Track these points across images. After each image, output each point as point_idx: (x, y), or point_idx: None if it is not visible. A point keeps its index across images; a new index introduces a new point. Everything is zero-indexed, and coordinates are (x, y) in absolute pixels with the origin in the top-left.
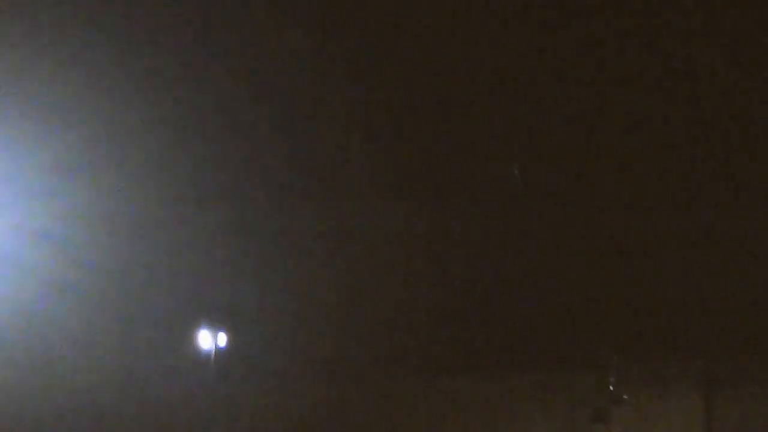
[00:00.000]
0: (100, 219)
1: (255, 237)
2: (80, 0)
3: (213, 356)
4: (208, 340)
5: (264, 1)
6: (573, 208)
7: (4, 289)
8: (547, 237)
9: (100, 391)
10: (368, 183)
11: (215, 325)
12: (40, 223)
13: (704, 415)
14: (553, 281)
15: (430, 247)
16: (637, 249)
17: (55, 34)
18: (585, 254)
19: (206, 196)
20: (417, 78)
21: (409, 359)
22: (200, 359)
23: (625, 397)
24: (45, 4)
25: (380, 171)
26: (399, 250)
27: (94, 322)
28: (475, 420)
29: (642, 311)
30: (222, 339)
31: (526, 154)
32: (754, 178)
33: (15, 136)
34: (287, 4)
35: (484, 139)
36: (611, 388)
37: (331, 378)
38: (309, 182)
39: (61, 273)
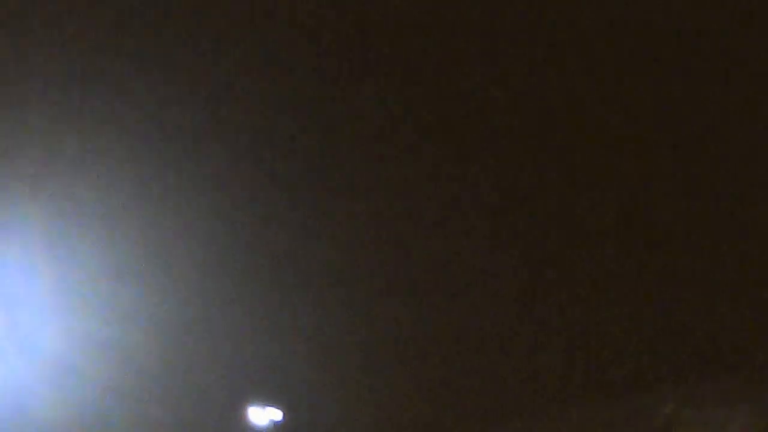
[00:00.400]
0: (150, 322)
1: (305, 305)
2: (130, 115)
3: None
4: (263, 417)
5: None
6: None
7: (59, 392)
8: (591, 267)
9: None
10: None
11: (269, 402)
12: (93, 327)
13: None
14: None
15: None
16: (684, 264)
17: (103, 147)
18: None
19: (254, 292)
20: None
21: (470, 414)
22: None
23: (685, 412)
24: (95, 123)
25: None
26: (453, 303)
27: (148, 425)
28: None
29: (695, 326)
30: (276, 415)
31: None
32: None
33: (69, 244)
34: None
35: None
36: (669, 407)
37: None
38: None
39: (114, 376)
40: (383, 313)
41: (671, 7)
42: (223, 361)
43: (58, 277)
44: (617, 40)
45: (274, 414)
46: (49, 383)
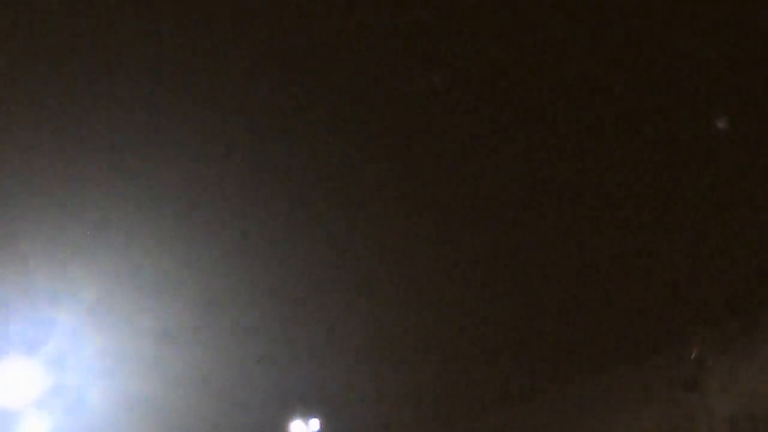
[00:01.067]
0: (193, 381)
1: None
2: (179, 186)
3: None
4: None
5: None
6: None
7: None
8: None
9: None
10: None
11: (306, 413)
12: (137, 387)
13: None
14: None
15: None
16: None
17: (151, 214)
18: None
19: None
20: None
21: (500, 403)
22: None
23: (710, 363)
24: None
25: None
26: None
27: None
28: (574, 418)
29: (710, 273)
30: (315, 425)
31: None
32: None
33: (116, 309)
34: None
35: None
36: (693, 356)
37: None
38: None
39: None
40: (419, 327)
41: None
42: (266, 421)
43: (105, 340)
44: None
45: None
46: None
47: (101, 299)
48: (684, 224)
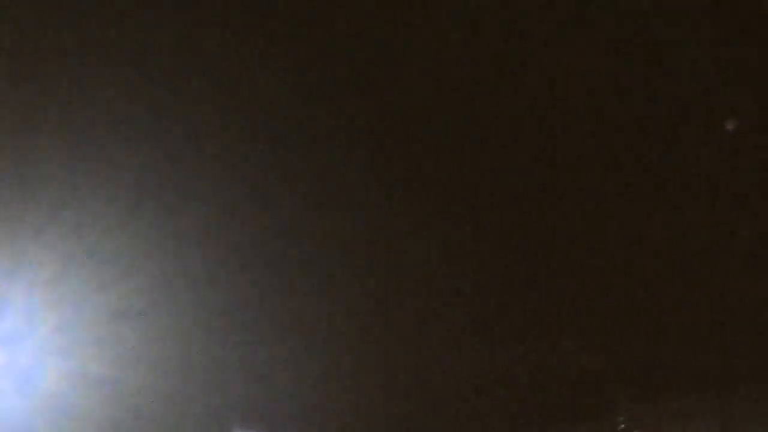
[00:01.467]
0: (148, 362)
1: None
2: (139, 163)
3: None
4: None
5: None
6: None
7: (55, 431)
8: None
9: None
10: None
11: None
12: (91, 367)
13: None
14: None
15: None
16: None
17: (110, 192)
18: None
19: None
20: None
21: None
22: None
23: None
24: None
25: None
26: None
27: None
28: None
29: (645, 346)
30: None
31: None
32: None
33: (70, 286)
34: None
35: None
36: (621, 428)
37: None
38: (347, 275)
39: (111, 415)
40: (371, 347)
41: None
42: (221, 401)
43: (59, 318)
44: None
45: None
46: (47, 422)
47: (56, 278)
48: (621, 292)
